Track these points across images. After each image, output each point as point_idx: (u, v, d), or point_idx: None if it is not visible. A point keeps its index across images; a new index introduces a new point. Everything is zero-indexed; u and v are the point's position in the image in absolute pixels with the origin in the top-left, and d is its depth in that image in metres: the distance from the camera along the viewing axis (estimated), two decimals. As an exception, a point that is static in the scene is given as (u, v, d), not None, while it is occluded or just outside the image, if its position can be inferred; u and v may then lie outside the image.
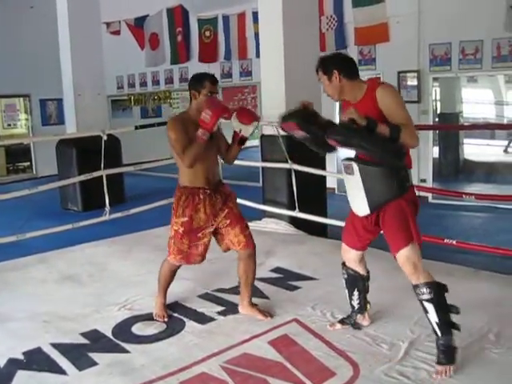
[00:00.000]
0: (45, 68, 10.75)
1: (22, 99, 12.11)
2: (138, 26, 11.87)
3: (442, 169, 9.04)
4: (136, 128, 7.29)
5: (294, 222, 5.90)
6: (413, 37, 7.96)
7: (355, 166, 2.89)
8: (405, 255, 2.85)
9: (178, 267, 3.64)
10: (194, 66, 10.35)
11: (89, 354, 3.21)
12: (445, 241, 5.04)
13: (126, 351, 3.24)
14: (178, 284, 3.86)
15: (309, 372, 2.89)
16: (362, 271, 3.26)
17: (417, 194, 3.09)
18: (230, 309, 3.77)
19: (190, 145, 3.29)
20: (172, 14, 11.40)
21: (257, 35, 7.42)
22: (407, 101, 2.98)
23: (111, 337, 3.44)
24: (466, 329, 2.89)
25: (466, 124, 9.46)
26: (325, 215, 5.95)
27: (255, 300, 3.75)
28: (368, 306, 3.36)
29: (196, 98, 3.42)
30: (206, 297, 4.03)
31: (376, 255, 3.89)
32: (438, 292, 2.81)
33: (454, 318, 2.82)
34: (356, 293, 3.29)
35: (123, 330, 3.52)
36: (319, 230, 5.79)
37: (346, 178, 3.02)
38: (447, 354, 2.81)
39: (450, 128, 9.23)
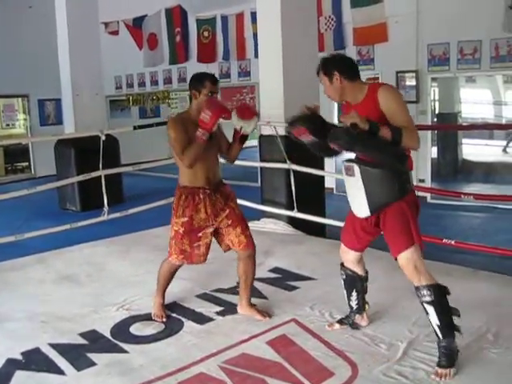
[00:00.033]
0: (43, 68, 10.73)
1: (20, 99, 12.09)
2: (136, 26, 11.87)
3: (440, 169, 9.04)
4: (134, 128, 7.28)
5: (292, 222, 5.90)
6: (411, 37, 7.97)
7: (356, 168, 2.87)
8: (406, 257, 2.84)
9: (178, 268, 3.62)
10: (193, 67, 10.35)
11: (87, 355, 3.20)
12: (443, 241, 5.04)
13: (125, 351, 3.24)
14: (177, 284, 3.86)
15: (307, 372, 2.89)
16: (360, 272, 3.25)
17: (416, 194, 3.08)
18: (229, 309, 3.77)
19: (190, 145, 3.29)
20: (170, 14, 11.40)
21: (255, 35, 7.40)
22: (405, 101, 2.96)
23: (109, 337, 3.43)
24: (464, 328, 2.89)
25: (464, 124, 9.47)
26: (323, 215, 5.95)
27: (254, 300, 3.74)
28: (366, 306, 3.36)
29: (196, 98, 3.39)
30: (205, 297, 4.03)
31: (375, 255, 3.89)
32: (440, 294, 2.80)
33: (454, 319, 2.82)
34: (354, 293, 3.29)
35: (121, 330, 3.52)
36: (317, 230, 5.80)
37: (347, 179, 3.00)
38: (448, 357, 2.80)
39: (448, 128, 9.23)
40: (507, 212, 7.09)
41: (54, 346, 3.32)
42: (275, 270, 4.59)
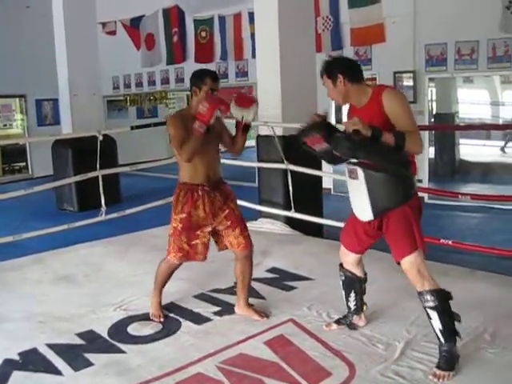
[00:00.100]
0: (40, 68, 10.69)
1: (17, 99, 12.06)
2: (133, 26, 11.87)
3: (437, 169, 9.05)
4: (132, 128, 7.27)
5: (289, 222, 5.89)
6: (409, 37, 7.98)
7: (360, 171, 2.82)
8: (410, 262, 2.83)
9: (177, 267, 3.61)
10: (190, 67, 10.33)
11: (84, 355, 3.20)
12: (441, 241, 5.05)
13: (122, 351, 3.24)
14: (174, 284, 3.86)
15: (305, 372, 2.89)
16: (359, 273, 3.25)
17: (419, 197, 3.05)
18: (226, 309, 3.77)
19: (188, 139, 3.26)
20: (168, 14, 11.39)
21: (253, 36, 7.42)
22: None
23: (107, 337, 3.43)
24: (461, 328, 2.89)
25: (461, 124, 9.48)
26: (321, 215, 5.95)
27: (251, 300, 3.75)
28: (364, 307, 3.36)
29: (197, 95, 3.35)
30: (202, 297, 4.03)
31: (374, 256, 3.89)
32: (443, 300, 2.79)
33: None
34: (353, 294, 3.29)
35: (119, 331, 3.52)
36: (315, 231, 5.80)
37: (350, 182, 2.96)
38: (449, 361, 2.80)
39: (445, 128, 9.25)
40: (504, 212, 7.10)
41: (52, 347, 3.31)
42: (273, 270, 4.59)
